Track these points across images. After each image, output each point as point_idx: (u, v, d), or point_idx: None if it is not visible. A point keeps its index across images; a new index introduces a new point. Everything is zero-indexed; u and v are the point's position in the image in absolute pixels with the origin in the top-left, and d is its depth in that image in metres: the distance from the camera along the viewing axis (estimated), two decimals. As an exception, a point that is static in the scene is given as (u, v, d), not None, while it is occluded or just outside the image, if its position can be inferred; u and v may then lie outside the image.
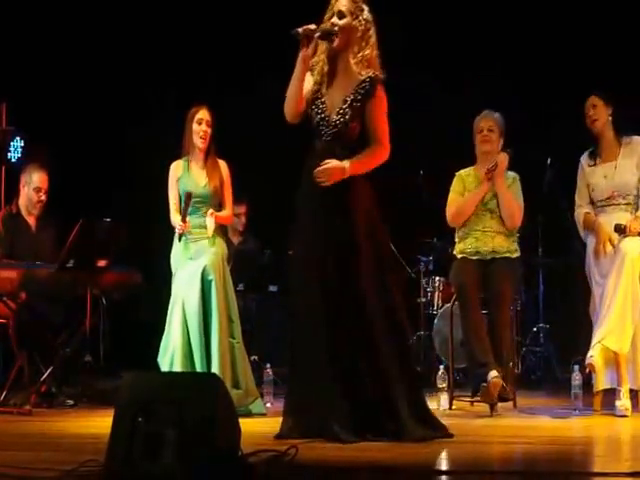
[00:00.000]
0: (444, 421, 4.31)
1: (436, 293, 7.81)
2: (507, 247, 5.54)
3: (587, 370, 5.25)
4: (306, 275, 4.24)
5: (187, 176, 5.58)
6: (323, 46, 4.29)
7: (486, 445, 4.20)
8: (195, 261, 5.42)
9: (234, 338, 5.42)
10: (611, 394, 5.22)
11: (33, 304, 5.87)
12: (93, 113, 8.35)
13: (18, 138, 7.23)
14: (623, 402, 5.08)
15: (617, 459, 3.75)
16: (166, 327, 5.42)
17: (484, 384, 5.09)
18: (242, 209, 7.64)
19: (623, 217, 5.38)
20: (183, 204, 5.44)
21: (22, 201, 6.36)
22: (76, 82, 8.29)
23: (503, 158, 5.55)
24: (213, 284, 5.32)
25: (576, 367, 5.37)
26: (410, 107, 7.79)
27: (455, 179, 5.75)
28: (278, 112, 4.34)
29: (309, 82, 4.33)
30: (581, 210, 5.56)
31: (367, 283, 4.18)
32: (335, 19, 4.26)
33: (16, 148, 7.22)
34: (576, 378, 5.29)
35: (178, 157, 5.64)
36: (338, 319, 4.15)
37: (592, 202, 5.55)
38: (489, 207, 5.57)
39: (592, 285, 5.45)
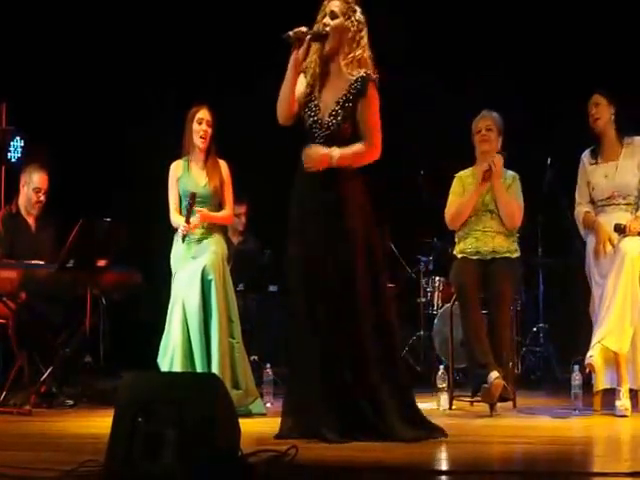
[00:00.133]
0: (444, 421, 4.31)
1: (436, 293, 7.81)
2: (507, 247, 5.54)
3: (587, 370, 5.25)
4: (305, 275, 4.24)
5: (187, 176, 5.58)
6: (315, 48, 4.29)
7: (486, 445, 4.20)
8: (195, 261, 5.42)
9: (234, 338, 5.42)
10: (611, 394, 5.22)
11: (33, 304, 5.87)
12: (93, 113, 8.34)
13: (18, 138, 7.22)
14: (623, 402, 5.08)
15: (617, 459, 3.76)
16: (166, 327, 5.42)
17: (485, 385, 5.09)
18: (242, 209, 7.64)
19: (623, 217, 5.38)
20: (187, 205, 5.44)
21: (22, 201, 6.37)
22: (76, 82, 8.29)
23: (497, 160, 5.55)
24: (213, 284, 5.32)
25: (576, 367, 5.36)
26: (413, 107, 7.82)
27: (455, 181, 5.75)
28: (278, 112, 4.35)
29: (302, 84, 4.33)
30: (581, 209, 5.56)
31: (362, 283, 4.18)
32: (327, 19, 4.26)
33: (16, 148, 7.22)
34: (576, 378, 5.29)
35: (178, 157, 5.64)
36: (337, 320, 4.15)
37: (592, 201, 5.55)
38: (489, 208, 5.57)
39: (592, 285, 5.45)
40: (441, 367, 5.77)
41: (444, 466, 3.70)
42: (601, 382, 5.25)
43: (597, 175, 5.52)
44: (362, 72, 4.25)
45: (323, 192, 4.23)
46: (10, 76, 7.59)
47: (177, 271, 5.49)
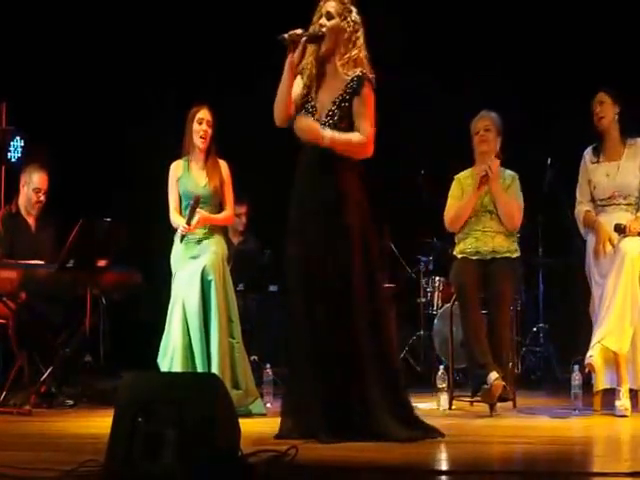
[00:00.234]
0: (444, 421, 4.31)
1: (436, 293, 7.81)
2: (507, 247, 5.54)
3: (587, 370, 5.25)
4: (303, 275, 4.24)
5: (187, 176, 5.58)
6: (311, 49, 4.30)
7: (486, 445, 4.20)
8: (195, 261, 5.42)
9: (234, 338, 5.42)
10: (611, 394, 5.22)
11: (33, 304, 5.87)
12: (93, 113, 8.34)
13: (18, 138, 7.22)
14: (623, 402, 5.08)
15: (617, 459, 3.76)
16: (166, 327, 5.42)
17: (485, 386, 5.09)
18: (243, 209, 7.64)
19: (623, 217, 5.38)
20: (190, 207, 5.43)
21: (22, 201, 6.37)
22: (76, 82, 8.29)
23: (493, 165, 5.53)
24: (213, 284, 5.32)
25: (576, 367, 5.36)
26: (410, 107, 7.82)
27: (453, 183, 5.75)
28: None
29: (298, 86, 4.34)
30: (582, 207, 5.56)
31: (358, 280, 4.18)
32: (323, 20, 4.27)
33: (16, 148, 7.21)
34: (576, 378, 5.29)
35: (178, 157, 5.64)
36: (335, 319, 4.15)
37: (593, 200, 5.55)
38: (489, 209, 5.57)
39: (592, 285, 5.45)
40: (441, 367, 5.77)
41: (444, 466, 3.70)
42: (601, 382, 5.25)
43: (598, 174, 5.51)
44: (358, 71, 4.26)
45: (323, 191, 4.23)
46: (10, 76, 7.59)
47: (177, 271, 5.49)
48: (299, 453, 3.35)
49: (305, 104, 4.32)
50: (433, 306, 7.79)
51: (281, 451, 3.37)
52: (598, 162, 5.53)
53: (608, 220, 5.38)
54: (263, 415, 5.32)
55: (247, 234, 7.87)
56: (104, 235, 5.88)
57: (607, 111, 5.49)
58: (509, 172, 5.66)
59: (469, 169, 5.73)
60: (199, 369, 5.22)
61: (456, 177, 5.77)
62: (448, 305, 6.44)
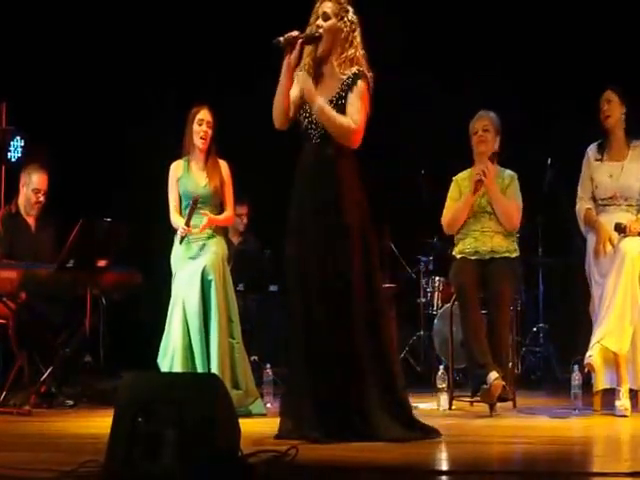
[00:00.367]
0: (444, 421, 4.30)
1: (436, 293, 7.81)
2: (506, 247, 5.54)
3: (586, 370, 5.25)
4: (302, 275, 4.24)
5: (187, 176, 5.58)
6: (309, 50, 4.30)
7: (486, 445, 4.21)
8: (195, 261, 5.42)
9: (234, 338, 5.42)
10: (611, 394, 5.22)
11: (33, 304, 5.87)
12: (93, 113, 8.34)
13: (18, 138, 7.21)
14: (623, 402, 5.08)
15: (616, 459, 3.76)
16: (166, 327, 5.42)
17: (485, 386, 5.09)
18: (244, 209, 7.65)
19: (624, 217, 5.38)
20: (189, 208, 5.43)
21: (22, 201, 6.37)
22: (76, 82, 8.29)
23: (488, 170, 5.52)
24: (213, 284, 5.32)
25: (576, 367, 5.37)
26: (410, 107, 7.81)
27: (452, 185, 5.74)
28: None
29: (296, 88, 4.33)
30: (583, 205, 5.54)
31: (357, 279, 4.18)
32: (320, 21, 4.27)
33: (16, 148, 7.21)
34: (576, 378, 5.29)
35: (178, 157, 5.64)
36: (334, 319, 4.15)
37: (594, 199, 5.54)
38: (487, 210, 5.57)
39: (592, 285, 5.45)
40: (441, 367, 5.77)
41: (444, 466, 3.71)
42: (601, 382, 5.25)
43: (601, 173, 5.50)
44: (354, 69, 4.27)
45: (322, 191, 4.23)
46: (10, 76, 7.58)
47: (177, 271, 5.49)
48: (299, 453, 3.35)
49: (303, 104, 4.32)
50: (433, 306, 7.78)
51: (281, 451, 3.37)
52: (602, 160, 5.52)
53: (609, 220, 5.38)
54: (263, 415, 5.32)
55: (247, 234, 7.87)
56: (104, 235, 5.88)
57: (614, 110, 5.47)
58: (508, 172, 5.66)
59: (467, 170, 5.72)
60: (199, 369, 5.22)
61: (454, 178, 5.76)
62: (448, 305, 6.44)
